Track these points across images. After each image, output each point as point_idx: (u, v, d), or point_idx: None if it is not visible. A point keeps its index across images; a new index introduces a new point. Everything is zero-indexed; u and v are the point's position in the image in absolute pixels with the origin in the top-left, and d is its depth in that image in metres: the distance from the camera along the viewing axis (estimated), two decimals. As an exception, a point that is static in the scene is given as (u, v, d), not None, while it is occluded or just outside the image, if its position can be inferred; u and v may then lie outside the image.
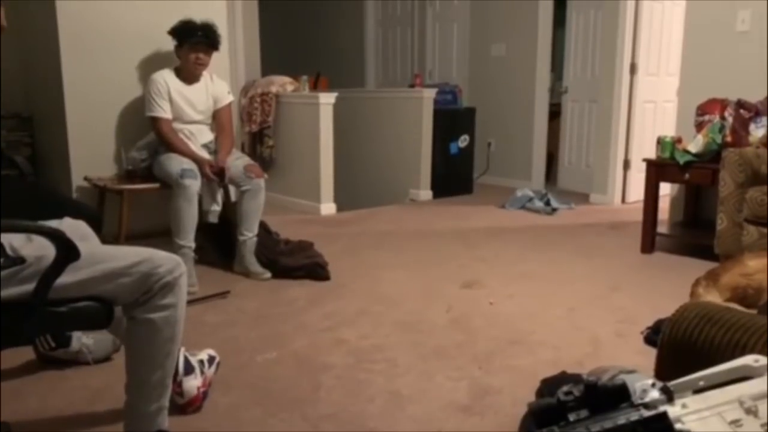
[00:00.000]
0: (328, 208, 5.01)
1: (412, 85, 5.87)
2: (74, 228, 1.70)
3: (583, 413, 0.82)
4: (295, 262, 3.43)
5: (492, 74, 6.43)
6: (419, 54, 7.06)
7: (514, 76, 6.25)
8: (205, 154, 3.40)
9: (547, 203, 5.15)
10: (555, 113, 6.26)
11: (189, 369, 1.94)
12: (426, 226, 4.72)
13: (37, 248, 1.39)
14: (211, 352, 2.12)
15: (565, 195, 5.62)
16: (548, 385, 1.97)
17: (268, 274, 3.37)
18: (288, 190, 5.16)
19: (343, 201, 5.16)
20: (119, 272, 1.46)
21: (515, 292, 3.16)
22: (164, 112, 3.37)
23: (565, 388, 0.90)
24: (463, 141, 5.85)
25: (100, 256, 1.47)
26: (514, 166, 6.33)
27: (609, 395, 0.85)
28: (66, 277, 1.37)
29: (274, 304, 3.00)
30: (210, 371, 2.05)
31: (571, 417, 0.81)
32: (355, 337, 2.58)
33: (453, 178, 5.84)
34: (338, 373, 2.27)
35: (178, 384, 1.89)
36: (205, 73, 3.51)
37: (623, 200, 5.50)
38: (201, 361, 2.02)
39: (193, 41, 3.37)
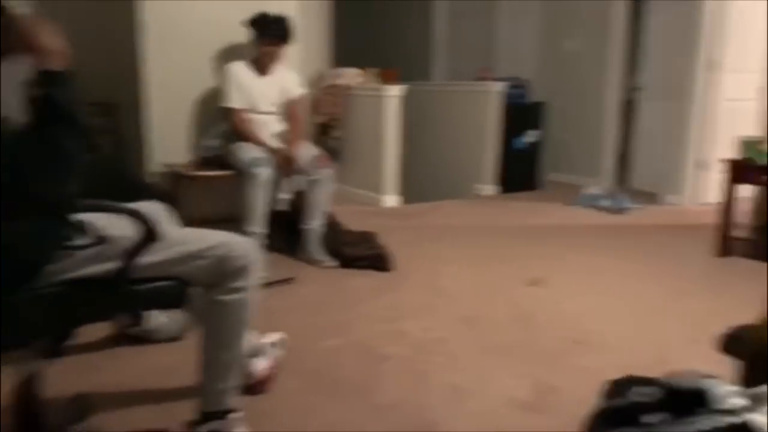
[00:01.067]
0: (391, 200, 5.03)
1: (480, 79, 5.81)
2: (154, 211, 1.77)
3: (658, 416, 0.80)
4: (359, 253, 3.46)
5: (563, 69, 6.29)
6: (489, 47, 6.97)
7: (587, 72, 6.09)
8: (275, 143, 3.47)
9: (617, 202, 5.01)
10: (628, 110, 6.06)
11: (258, 351, 2.00)
12: (491, 221, 4.67)
13: (119, 229, 1.44)
14: (279, 335, 2.18)
15: (636, 195, 5.43)
16: (616, 388, 1.92)
17: (333, 263, 3.42)
18: (352, 181, 5.20)
19: (407, 193, 5.16)
20: (196, 254, 1.51)
21: (582, 292, 3.09)
22: (238, 102, 3.47)
23: (638, 390, 0.88)
24: (531, 136, 5.75)
25: (179, 238, 1.53)
26: (584, 163, 6.18)
27: (686, 399, 0.83)
28: (147, 257, 1.42)
29: (336, 293, 3.05)
30: (278, 354, 2.11)
31: (645, 419, 0.79)
32: (416, 329, 2.59)
33: (519, 173, 5.74)
34: (399, 363, 2.28)
35: (246, 365, 1.94)
36: (278, 65, 3.58)
37: (697, 202, 5.28)
38: (269, 344, 2.07)
39: (267, 34, 3.44)
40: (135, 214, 1.39)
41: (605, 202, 5.02)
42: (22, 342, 1.47)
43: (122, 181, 2.36)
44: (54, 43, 1.28)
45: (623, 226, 4.54)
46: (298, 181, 3.56)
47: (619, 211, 4.92)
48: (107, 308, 1.58)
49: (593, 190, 5.23)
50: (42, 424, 1.55)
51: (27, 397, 1.54)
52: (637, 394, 0.80)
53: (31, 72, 1.28)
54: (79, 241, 1.41)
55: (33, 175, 1.18)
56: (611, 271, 3.47)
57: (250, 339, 1.97)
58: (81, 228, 1.45)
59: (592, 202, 5.08)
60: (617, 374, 2.06)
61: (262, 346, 2.05)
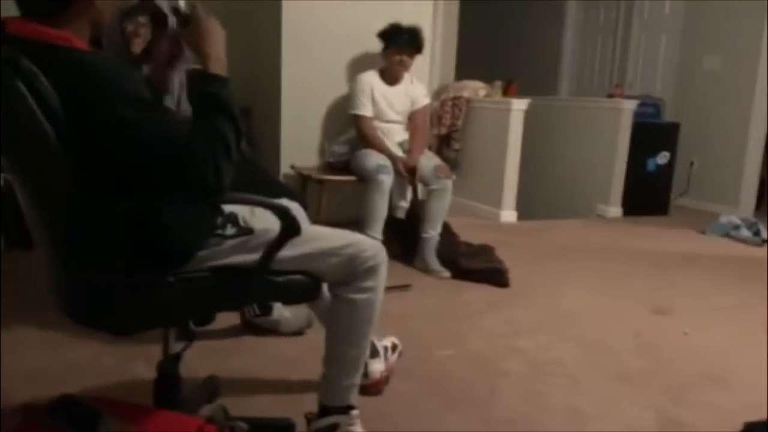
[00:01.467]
0: (508, 215, 4.94)
1: (610, 95, 5.59)
2: (294, 209, 1.84)
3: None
4: (475, 265, 3.43)
5: (702, 88, 5.92)
6: (620, 63, 6.71)
7: (729, 92, 5.70)
8: (398, 152, 3.53)
9: (757, 233, 4.63)
10: (772, 135, 5.61)
11: (375, 352, 2.03)
12: (613, 243, 4.48)
13: (263, 222, 1.51)
14: (395, 340, 2.21)
15: (778, 226, 5.01)
16: (753, 430, 1.78)
17: (448, 273, 3.41)
18: (469, 194, 5.17)
19: (524, 209, 5.06)
20: (330, 252, 1.55)
21: (712, 325, 2.89)
22: (367, 110, 3.57)
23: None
24: (662, 158, 5.46)
25: (315, 235, 1.58)
26: (719, 189, 5.77)
27: None
28: (285, 251, 1.47)
29: (452, 304, 3.04)
30: (393, 358, 2.14)
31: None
32: (533, 348, 2.53)
33: (647, 196, 5.45)
34: (515, 380, 2.24)
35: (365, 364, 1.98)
36: (406, 75, 3.65)
37: None
38: (385, 347, 2.10)
39: (399, 44, 3.52)
40: (280, 209, 1.44)
41: (743, 233, 4.66)
42: (164, 322, 1.58)
43: (260, 179, 2.48)
44: (220, 50, 1.40)
45: (763, 260, 4.19)
46: (417, 190, 3.60)
47: (760, 243, 4.55)
48: (245, 297, 1.64)
49: (730, 218, 4.87)
50: (179, 400, 1.66)
51: (167, 374, 1.65)
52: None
53: (199, 73, 1.39)
54: (228, 231, 1.49)
55: (200, 162, 1.26)
56: (747, 307, 3.21)
57: (380, 340, 2.04)
58: (231, 218, 1.53)
59: (727, 231, 4.74)
60: (752, 416, 1.92)
61: (379, 348, 2.08)
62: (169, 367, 1.64)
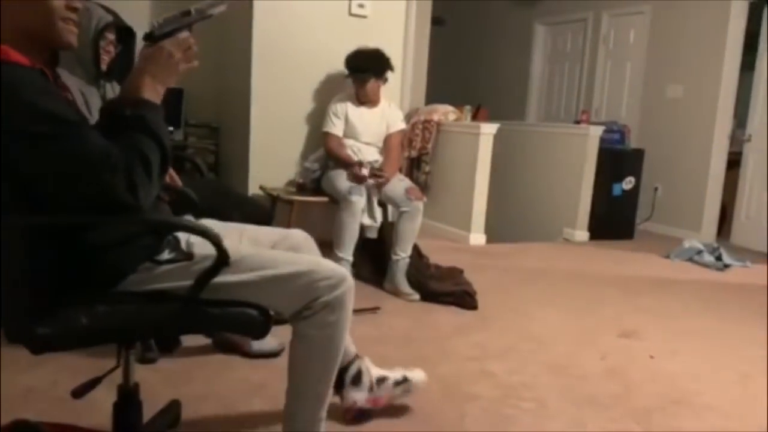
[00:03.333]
0: (477, 238, 4.97)
1: (577, 122, 5.70)
2: (250, 231, 1.75)
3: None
4: (445, 288, 3.42)
5: (665, 116, 6.08)
6: (587, 91, 6.86)
7: (690, 120, 5.86)
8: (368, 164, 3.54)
9: (719, 258, 4.73)
10: (733, 162, 5.77)
11: (357, 381, 1.94)
12: (581, 267, 4.52)
13: (208, 248, 1.39)
14: (410, 374, 2.06)
15: (740, 251, 5.14)
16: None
17: (417, 296, 3.40)
18: (439, 217, 5.19)
19: (492, 232, 5.09)
20: (279, 279, 1.44)
21: (679, 349, 2.92)
22: (336, 129, 3.58)
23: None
24: (627, 183, 5.56)
25: (263, 262, 1.46)
26: (682, 214, 5.90)
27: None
28: (224, 278, 1.37)
29: (421, 327, 3.02)
30: (389, 392, 2.01)
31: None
32: (502, 372, 2.52)
33: (613, 220, 5.55)
34: (484, 404, 2.22)
35: (340, 392, 1.93)
36: (383, 100, 3.67)
37: (809, 264, 4.91)
38: (382, 379, 1.99)
39: (358, 70, 3.56)
40: (208, 235, 1.35)
41: (706, 258, 4.76)
42: (92, 343, 1.47)
43: (224, 195, 2.45)
44: (165, 80, 1.34)
45: (726, 284, 4.28)
46: (387, 212, 3.60)
47: (722, 267, 4.64)
48: (176, 326, 1.53)
49: (693, 243, 4.97)
50: (139, 426, 1.60)
51: (126, 399, 1.59)
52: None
53: (129, 97, 1.32)
54: (165, 255, 1.43)
55: (111, 172, 1.20)
56: (712, 330, 3.26)
57: (354, 367, 1.94)
58: (171, 242, 1.46)
59: (691, 256, 4.83)
60: (721, 440, 1.93)
61: (365, 380, 1.96)
62: (128, 391, 1.58)
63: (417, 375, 2.09)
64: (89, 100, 2.25)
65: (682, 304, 3.70)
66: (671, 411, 2.26)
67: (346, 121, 3.59)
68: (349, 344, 1.92)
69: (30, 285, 1.31)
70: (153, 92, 1.31)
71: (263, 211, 2.36)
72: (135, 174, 1.22)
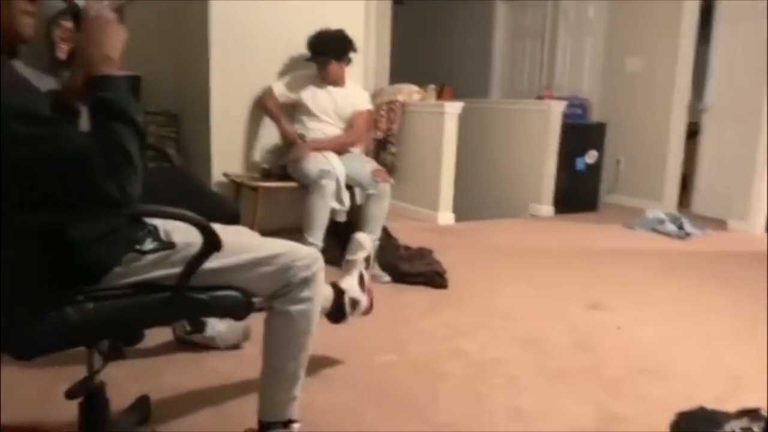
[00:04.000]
0: (445, 217, 4.98)
1: (540, 97, 5.73)
2: (219, 219, 1.77)
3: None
4: (414, 269, 3.43)
5: (626, 89, 6.15)
6: (548, 66, 6.89)
7: (650, 92, 5.95)
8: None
9: (681, 227, 4.84)
10: (692, 132, 5.88)
11: (355, 304, 2.18)
12: (547, 242, 4.58)
13: (186, 235, 1.44)
14: (364, 254, 2.30)
15: (700, 220, 5.25)
16: (685, 420, 1.83)
17: (387, 278, 3.40)
18: (407, 197, 5.19)
19: (460, 211, 5.11)
20: (259, 262, 1.49)
21: (645, 318, 2.98)
22: (280, 90, 3.63)
23: (742, 423, 0.83)
24: (590, 157, 5.63)
25: (243, 246, 1.52)
26: (644, 186, 6.01)
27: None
28: (210, 263, 1.40)
29: (392, 308, 3.02)
30: (369, 275, 2.29)
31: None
32: (474, 349, 2.54)
33: (577, 194, 5.62)
34: (457, 383, 2.23)
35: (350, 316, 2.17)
36: (349, 81, 3.63)
37: (766, 229, 5.05)
38: (360, 278, 2.23)
39: (318, 53, 3.52)
40: (199, 223, 1.36)
41: (668, 227, 4.85)
42: (82, 342, 1.48)
43: (188, 189, 2.40)
44: (109, 47, 1.28)
45: (687, 252, 4.38)
46: (355, 195, 3.58)
47: (683, 236, 4.75)
48: (166, 315, 1.55)
49: (655, 213, 5.07)
50: (107, 425, 1.57)
51: (93, 398, 1.55)
52: (741, 429, 0.74)
53: (89, 79, 1.28)
54: (147, 246, 1.43)
55: (100, 177, 1.17)
56: (676, 298, 3.34)
57: (350, 294, 2.15)
58: (151, 232, 1.47)
59: (653, 226, 4.93)
60: (685, 405, 1.98)
61: (357, 297, 2.18)
62: (94, 390, 1.55)
63: (364, 242, 2.32)
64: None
65: (647, 274, 3.78)
66: (639, 380, 2.31)
67: (308, 102, 3.56)
68: (328, 295, 2.08)
69: (18, 288, 1.27)
70: (107, 63, 1.26)
71: (232, 213, 2.32)
72: (120, 172, 1.19)
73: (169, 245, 1.44)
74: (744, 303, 3.27)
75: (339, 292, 2.13)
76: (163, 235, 1.48)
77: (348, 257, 2.29)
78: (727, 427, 0.84)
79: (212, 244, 1.37)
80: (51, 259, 1.28)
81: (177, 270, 1.40)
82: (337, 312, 2.12)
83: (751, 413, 1.17)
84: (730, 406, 1.93)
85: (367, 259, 2.30)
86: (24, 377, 2.07)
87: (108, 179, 1.18)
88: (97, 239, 1.34)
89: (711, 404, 2.00)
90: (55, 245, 1.28)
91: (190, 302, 1.46)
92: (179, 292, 1.41)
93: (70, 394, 1.44)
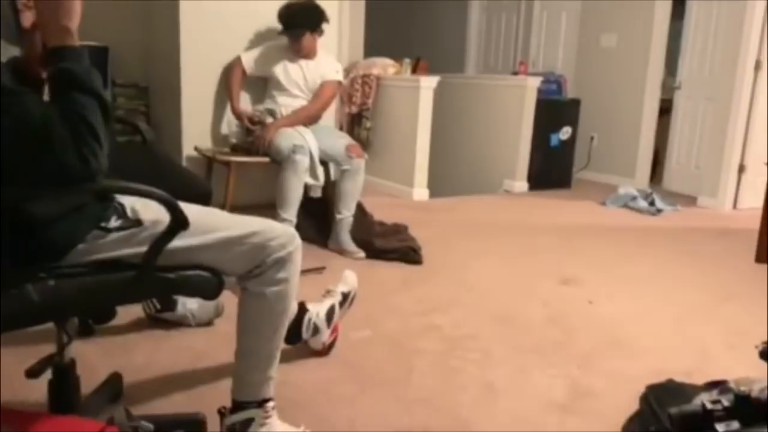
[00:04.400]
0: (420, 193, 4.98)
1: (515, 73, 5.73)
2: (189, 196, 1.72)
3: (734, 425, 0.76)
4: (389, 245, 3.43)
5: (600, 65, 6.18)
6: (524, 42, 6.88)
7: (624, 69, 5.98)
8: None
9: (652, 203, 4.91)
10: (664, 110, 5.94)
11: (316, 332, 2.08)
12: (521, 218, 4.61)
13: (154, 213, 1.40)
14: (346, 289, 2.22)
15: (671, 196, 5.33)
16: (654, 393, 1.86)
17: (362, 254, 3.39)
18: (381, 173, 5.17)
19: (434, 187, 5.11)
20: (231, 242, 1.45)
21: (616, 293, 3.02)
22: (249, 62, 3.58)
23: (711, 396, 0.84)
24: (564, 133, 5.66)
25: (214, 225, 1.47)
26: (617, 162, 6.07)
27: (762, 409, 0.78)
28: (178, 242, 1.37)
29: (367, 284, 2.99)
30: (341, 315, 2.17)
31: (720, 427, 0.75)
32: (447, 325, 2.55)
33: (551, 171, 5.66)
34: (431, 358, 2.25)
35: (305, 341, 2.07)
36: (320, 52, 3.57)
37: (735, 206, 5.15)
38: (330, 311, 2.11)
39: (289, 26, 3.45)
40: (165, 200, 1.32)
41: (640, 203, 4.92)
42: (44, 320, 1.43)
43: (158, 165, 2.35)
44: (61, 16, 1.23)
45: (659, 228, 4.45)
46: (330, 171, 3.54)
47: (655, 212, 4.82)
48: (134, 293, 1.50)
49: (628, 189, 5.13)
50: (77, 403, 1.54)
51: (62, 376, 1.53)
52: (711, 402, 0.75)
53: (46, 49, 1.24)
54: (114, 223, 1.39)
55: (61, 151, 1.13)
56: (647, 273, 3.39)
57: (305, 322, 2.04)
58: (117, 209, 1.42)
59: (626, 203, 4.99)
60: (655, 379, 2.01)
61: (319, 325, 2.08)
62: (64, 367, 1.52)
63: (349, 279, 2.25)
64: None
65: (618, 250, 3.83)
66: (610, 354, 2.34)
67: (279, 76, 3.51)
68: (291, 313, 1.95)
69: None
70: (64, 34, 1.22)
71: (204, 191, 2.28)
72: (82, 144, 1.15)
73: (136, 223, 1.40)
74: (712, 278, 3.34)
75: (302, 311, 2.05)
76: (130, 213, 1.43)
77: (329, 287, 2.23)
78: (697, 399, 0.84)
79: (179, 222, 1.34)
80: (11, 235, 1.24)
81: (143, 248, 1.36)
82: (292, 331, 1.96)
83: (719, 385, 1.19)
84: (698, 379, 1.97)
85: (345, 296, 2.20)
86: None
87: (68, 152, 1.14)
88: (60, 215, 1.30)
89: (679, 377, 2.04)
90: (15, 221, 1.24)
91: (157, 281, 1.42)
92: (145, 271, 1.38)
93: (31, 373, 1.41)
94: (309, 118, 3.53)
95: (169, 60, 3.71)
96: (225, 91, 3.66)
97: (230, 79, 3.59)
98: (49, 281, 1.30)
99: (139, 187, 1.35)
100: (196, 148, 3.63)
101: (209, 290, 1.49)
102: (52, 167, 1.15)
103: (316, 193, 3.43)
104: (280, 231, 1.52)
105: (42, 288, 1.29)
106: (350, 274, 2.28)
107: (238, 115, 3.55)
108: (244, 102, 3.67)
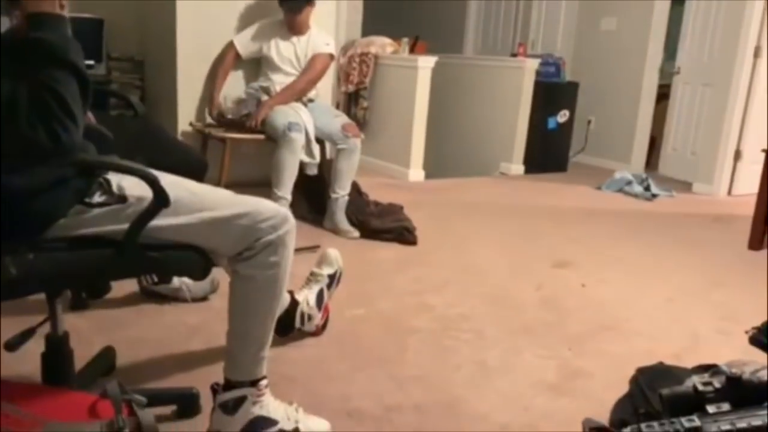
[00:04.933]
0: (416, 174, 4.97)
1: (514, 55, 5.69)
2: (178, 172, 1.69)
3: (725, 406, 0.76)
4: (384, 225, 3.43)
5: (599, 49, 6.14)
6: (523, 23, 6.82)
7: (623, 53, 5.94)
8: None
9: (647, 189, 4.91)
10: (662, 95, 5.92)
11: (308, 319, 2.08)
12: (517, 201, 4.61)
13: (141, 189, 1.36)
14: (331, 270, 2.20)
15: (666, 182, 5.34)
16: (645, 375, 1.88)
17: (356, 233, 3.39)
18: (377, 153, 5.15)
19: (430, 168, 5.10)
20: (221, 221, 1.41)
21: (609, 277, 3.04)
22: (241, 47, 3.55)
23: (702, 378, 0.84)
24: (562, 116, 5.64)
25: (203, 204, 1.43)
26: (614, 147, 6.06)
27: (753, 391, 0.78)
28: (163, 221, 1.34)
29: (361, 263, 3.02)
30: (329, 296, 2.18)
31: (711, 409, 0.75)
32: (441, 304, 2.56)
33: (548, 154, 5.64)
34: (424, 337, 2.26)
35: (298, 329, 2.06)
36: (314, 27, 3.53)
37: (730, 192, 5.17)
38: (319, 295, 2.12)
39: (292, 5, 3.41)
40: (145, 176, 1.29)
41: (635, 188, 4.92)
42: (22, 293, 1.41)
43: (152, 139, 2.33)
44: None
45: (653, 213, 4.46)
46: (326, 149, 3.53)
47: (650, 197, 4.83)
48: (117, 269, 1.47)
49: (623, 174, 5.13)
50: (71, 376, 1.54)
51: (56, 348, 1.53)
52: (702, 383, 0.75)
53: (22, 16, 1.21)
54: (98, 198, 1.36)
55: (27, 123, 1.11)
56: (640, 258, 3.40)
57: (297, 314, 2.04)
58: (102, 185, 1.39)
59: (621, 187, 5.00)
60: (645, 361, 2.03)
61: (311, 312, 2.09)
62: (57, 340, 1.52)
63: (332, 257, 2.22)
64: None
65: (613, 234, 3.84)
66: (601, 336, 2.36)
67: (271, 55, 3.48)
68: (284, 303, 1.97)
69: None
70: (37, 2, 1.18)
71: (199, 165, 2.26)
72: (51, 118, 1.12)
73: (120, 199, 1.37)
74: (705, 263, 3.36)
75: (294, 303, 2.04)
76: (116, 189, 1.39)
77: (314, 269, 2.19)
78: (688, 381, 0.85)
79: (160, 199, 1.31)
80: None
81: (126, 225, 1.34)
82: (285, 323, 1.97)
83: (710, 368, 1.20)
84: (688, 363, 1.98)
85: (332, 277, 2.19)
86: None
87: (35, 126, 1.11)
88: (40, 189, 1.28)
89: (669, 360, 2.06)
90: None
91: (141, 259, 1.39)
92: (126, 248, 1.35)
93: (8, 346, 1.40)
94: (302, 91, 3.49)
95: (165, 34, 3.67)
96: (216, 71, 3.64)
97: (219, 68, 3.58)
98: (27, 255, 1.28)
99: (120, 163, 1.33)
100: (191, 124, 3.61)
101: (196, 270, 1.47)
102: (16, 141, 1.12)
103: (312, 171, 3.42)
104: (273, 212, 1.46)
105: (20, 261, 1.27)
106: (332, 251, 2.24)
107: (214, 105, 3.55)
108: (238, 81, 3.63)
